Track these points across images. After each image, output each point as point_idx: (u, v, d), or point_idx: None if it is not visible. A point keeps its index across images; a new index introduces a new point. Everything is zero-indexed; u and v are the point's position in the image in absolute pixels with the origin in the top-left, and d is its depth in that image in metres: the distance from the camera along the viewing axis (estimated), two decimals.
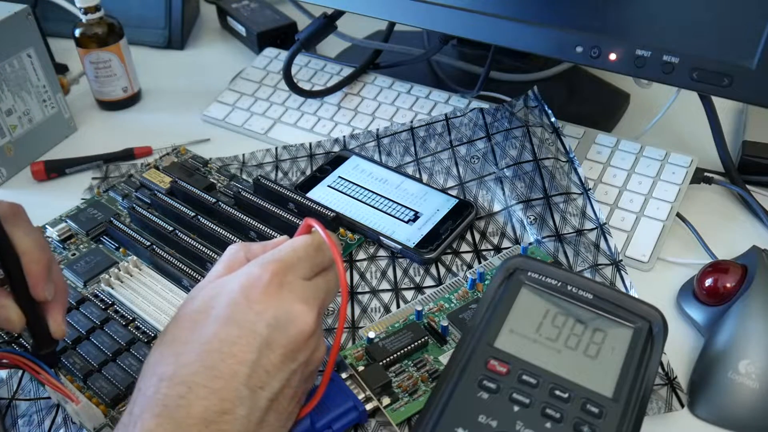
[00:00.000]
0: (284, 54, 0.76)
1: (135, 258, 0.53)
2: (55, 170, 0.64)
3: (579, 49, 0.54)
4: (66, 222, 0.57)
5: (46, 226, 0.57)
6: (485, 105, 0.64)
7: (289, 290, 0.35)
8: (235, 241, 0.52)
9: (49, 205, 0.59)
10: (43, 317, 0.38)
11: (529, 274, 0.41)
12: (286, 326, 0.34)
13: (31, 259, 0.37)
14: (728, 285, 0.46)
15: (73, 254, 0.54)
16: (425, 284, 0.51)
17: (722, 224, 0.55)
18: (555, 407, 0.35)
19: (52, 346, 0.40)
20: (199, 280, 0.49)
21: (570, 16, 0.54)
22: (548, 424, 0.34)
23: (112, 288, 0.51)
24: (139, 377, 0.34)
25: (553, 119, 0.60)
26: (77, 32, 0.69)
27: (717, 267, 0.47)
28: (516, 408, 0.35)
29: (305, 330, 0.34)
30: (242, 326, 0.33)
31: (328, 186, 0.59)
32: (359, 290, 0.51)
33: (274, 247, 0.37)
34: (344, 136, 0.65)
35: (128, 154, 0.66)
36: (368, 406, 0.41)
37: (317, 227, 0.36)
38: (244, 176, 0.62)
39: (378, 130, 0.65)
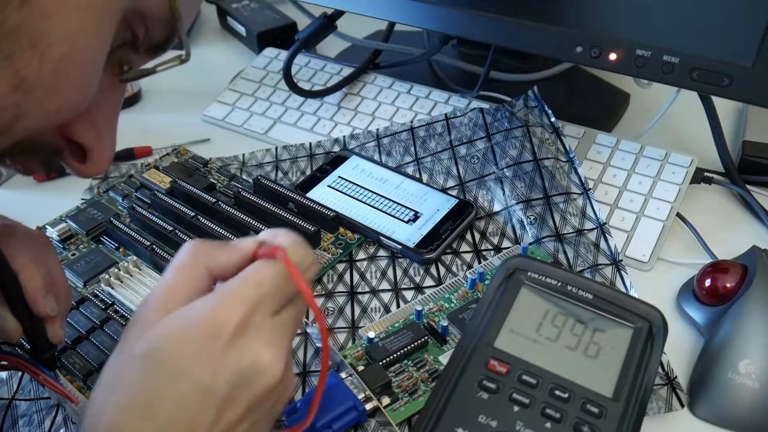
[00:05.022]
0: (284, 54, 0.76)
1: (135, 258, 0.53)
2: (55, 170, 0.64)
3: (579, 49, 0.54)
4: (66, 222, 0.57)
5: (46, 226, 0.57)
6: (485, 105, 0.64)
7: (256, 335, 0.31)
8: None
9: (49, 205, 0.59)
10: (41, 324, 0.38)
11: (529, 274, 0.41)
12: (251, 380, 0.31)
13: (28, 276, 0.36)
14: (728, 285, 0.46)
15: (73, 254, 0.54)
16: (425, 284, 0.51)
17: (722, 224, 0.55)
18: (555, 407, 0.35)
19: (50, 351, 0.40)
20: None
21: (570, 16, 0.54)
22: (548, 424, 0.34)
23: (112, 288, 0.51)
24: (86, 413, 0.31)
25: (553, 119, 0.60)
26: None
27: (717, 267, 0.47)
28: (516, 408, 0.35)
29: (272, 382, 0.31)
30: (200, 383, 0.29)
31: (328, 186, 0.59)
32: (359, 290, 0.51)
33: (241, 255, 0.33)
34: (344, 136, 0.65)
35: (128, 154, 0.66)
36: (368, 406, 0.41)
37: (281, 257, 0.32)
38: (244, 176, 0.62)
39: (378, 130, 0.65)
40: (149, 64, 0.34)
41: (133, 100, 0.74)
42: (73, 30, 0.28)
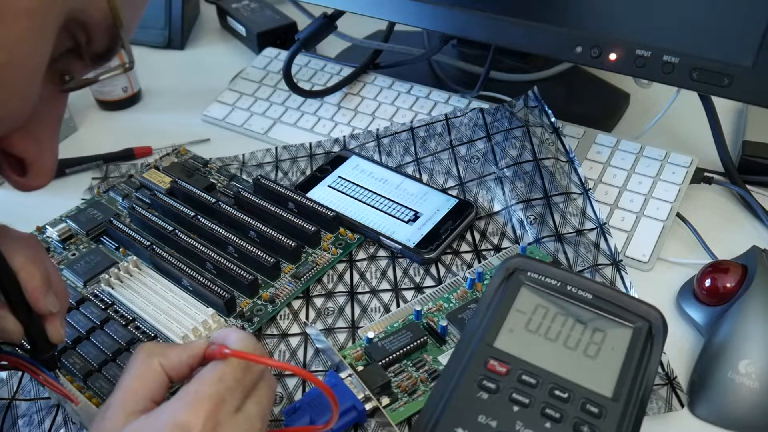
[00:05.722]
0: (284, 54, 0.76)
1: (135, 258, 0.52)
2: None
3: (579, 49, 0.54)
4: (66, 222, 0.57)
5: (46, 226, 0.57)
6: (485, 105, 0.64)
7: None
8: (234, 240, 0.52)
9: (49, 205, 0.59)
10: (41, 324, 0.38)
11: (528, 274, 0.41)
12: None
13: (27, 275, 0.36)
14: (728, 285, 0.46)
15: (73, 254, 0.54)
16: (425, 284, 0.51)
17: (722, 224, 0.55)
18: (555, 407, 0.35)
19: (51, 350, 0.39)
20: (199, 280, 0.49)
21: (570, 16, 0.54)
22: (548, 424, 0.34)
23: (112, 288, 0.51)
24: None
25: (553, 119, 0.60)
26: None
27: (717, 267, 0.47)
28: (516, 408, 0.35)
29: None
30: None
31: (328, 186, 0.59)
32: (359, 290, 0.51)
33: (191, 354, 0.33)
34: (344, 136, 0.65)
35: (128, 154, 0.66)
36: (368, 406, 0.41)
37: (231, 353, 0.32)
38: (244, 176, 0.62)
39: (378, 130, 0.65)
40: (92, 73, 0.33)
41: (133, 100, 0.75)
42: (12, 38, 0.27)
